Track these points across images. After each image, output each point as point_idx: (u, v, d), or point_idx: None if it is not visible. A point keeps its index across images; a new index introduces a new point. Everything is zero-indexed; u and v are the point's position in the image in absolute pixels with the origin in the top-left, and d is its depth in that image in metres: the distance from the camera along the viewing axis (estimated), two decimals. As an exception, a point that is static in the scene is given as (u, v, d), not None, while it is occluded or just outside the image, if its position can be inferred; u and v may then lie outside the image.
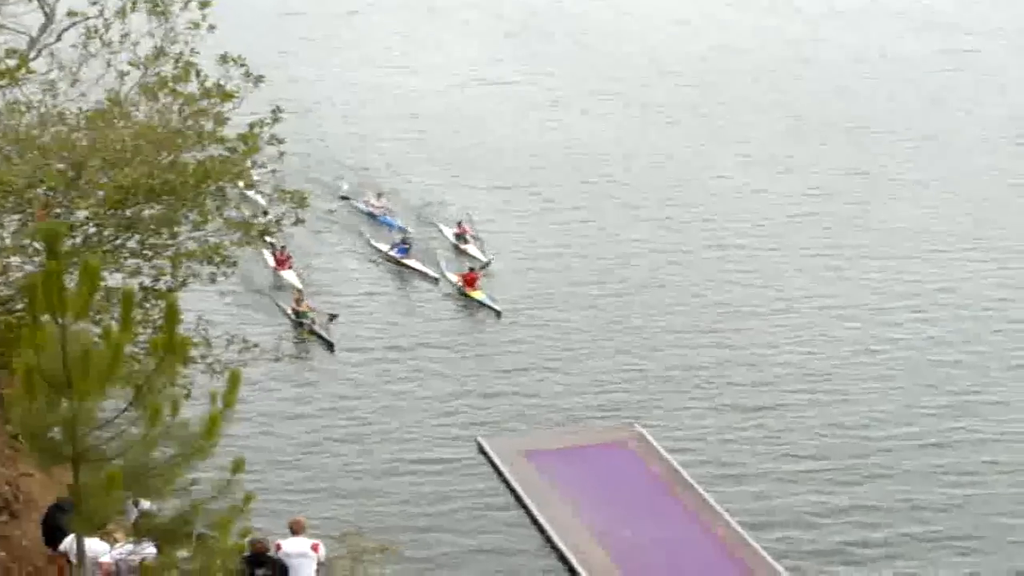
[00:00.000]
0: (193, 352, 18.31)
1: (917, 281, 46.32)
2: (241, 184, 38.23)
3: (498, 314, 43.16)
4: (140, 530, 13.14)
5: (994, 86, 70.10)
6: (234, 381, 11.51)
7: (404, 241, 48.26)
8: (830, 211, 53.70)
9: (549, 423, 36.31)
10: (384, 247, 48.39)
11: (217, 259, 20.58)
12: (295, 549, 18.89)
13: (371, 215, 51.86)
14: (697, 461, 33.92)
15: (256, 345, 20.86)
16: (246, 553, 16.45)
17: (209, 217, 20.48)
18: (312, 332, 40.02)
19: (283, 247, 45.11)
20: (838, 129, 63.79)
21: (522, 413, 36.87)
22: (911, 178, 57.04)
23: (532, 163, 58.55)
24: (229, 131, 20.63)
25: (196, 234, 20.55)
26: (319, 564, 19.04)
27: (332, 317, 41.41)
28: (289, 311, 41.80)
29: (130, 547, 13.63)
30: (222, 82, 20.50)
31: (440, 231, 50.43)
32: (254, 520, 16.68)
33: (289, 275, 44.98)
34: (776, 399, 37.38)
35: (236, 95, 20.28)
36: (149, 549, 13.39)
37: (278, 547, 18.80)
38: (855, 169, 58.73)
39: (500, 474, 33.27)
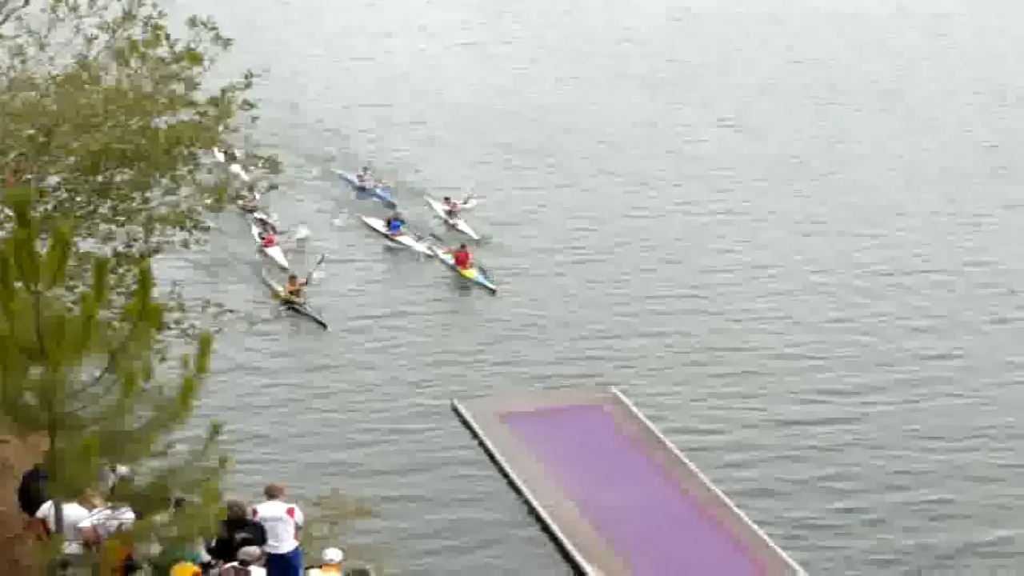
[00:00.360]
0: (168, 318, 18.27)
1: (894, 246, 46.56)
2: (222, 155, 38.38)
3: (493, 292, 42.37)
4: (118, 495, 13.17)
5: (967, 49, 70.23)
6: (205, 345, 11.51)
7: (397, 217, 47.27)
8: (805, 175, 53.88)
9: (525, 386, 36.41)
10: (376, 223, 47.53)
11: (190, 224, 20.52)
12: (272, 513, 18.93)
13: (361, 189, 51.14)
14: (673, 423, 34.01)
15: (231, 311, 20.82)
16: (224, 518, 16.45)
17: (181, 182, 20.41)
18: (304, 313, 39.64)
19: (273, 226, 44.68)
20: (810, 93, 63.88)
21: (498, 377, 36.95)
22: (884, 142, 57.10)
23: (508, 129, 58.52)
24: (201, 96, 20.52)
25: (169, 199, 20.46)
26: (296, 528, 19.10)
27: (321, 260, 41.48)
28: (283, 293, 40.81)
29: (108, 512, 13.64)
30: (192, 45, 20.37)
31: (430, 206, 49.52)
32: (231, 486, 16.78)
33: (276, 252, 44.32)
34: (753, 363, 37.46)
35: (204, 58, 20.14)
36: (127, 514, 13.42)
37: (255, 512, 18.84)
38: (829, 133, 58.95)
39: (476, 437, 33.35)
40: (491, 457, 32.37)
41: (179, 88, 20.39)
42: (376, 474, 31.52)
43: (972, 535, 29.12)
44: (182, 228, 20.45)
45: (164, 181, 20.29)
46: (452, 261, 44.02)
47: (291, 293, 40.48)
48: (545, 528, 29.12)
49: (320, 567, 17.16)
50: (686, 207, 50.11)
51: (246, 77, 20.49)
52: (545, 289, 42.94)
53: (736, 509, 29.61)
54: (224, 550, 17.77)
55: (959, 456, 32.65)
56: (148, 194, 20.29)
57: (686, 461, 31.74)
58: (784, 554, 27.81)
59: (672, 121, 60.57)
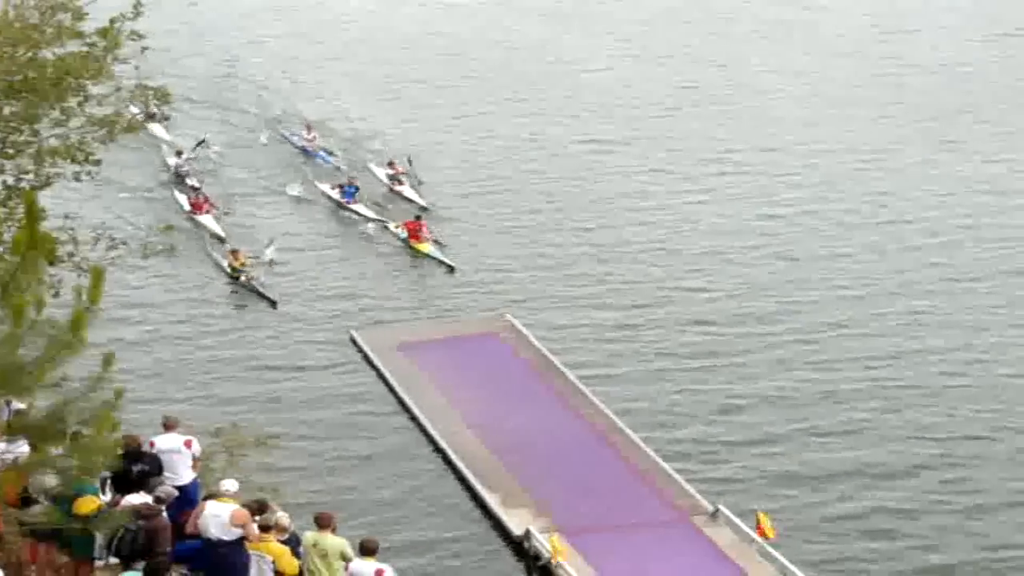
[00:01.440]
0: (61, 251, 18.18)
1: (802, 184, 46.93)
2: (139, 112, 37.90)
3: (451, 269, 39.05)
4: (13, 428, 13.14)
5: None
6: (97, 277, 11.50)
7: (351, 183, 43.48)
8: (705, 101, 54.21)
9: (422, 316, 36.57)
10: (327, 189, 44.05)
11: (80, 157, 20.36)
12: (169, 445, 18.98)
13: (304, 150, 47.64)
14: (569, 350, 34.31)
15: (124, 243, 20.73)
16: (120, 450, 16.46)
17: (71, 114, 20.23)
18: (252, 289, 37.20)
19: (197, 189, 42.28)
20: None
21: (395, 308, 37.07)
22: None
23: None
24: (89, 27, 20.30)
25: (58, 131, 20.28)
26: (194, 459, 19.16)
27: (270, 242, 39.13)
28: (225, 266, 38.17)
29: (3, 446, 13.61)
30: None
31: (370, 171, 46.09)
32: (130, 420, 16.78)
33: (207, 220, 41.22)
34: (645, 296, 37.63)
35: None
36: (23, 447, 13.41)
37: (152, 444, 18.88)
38: (724, 61, 59.27)
39: (373, 367, 33.47)
40: (389, 387, 32.53)
41: (66, 19, 20.16)
42: (274, 406, 31.54)
43: (857, 452, 29.72)
44: (73, 161, 20.30)
45: (54, 113, 20.10)
46: (405, 234, 40.64)
47: (236, 268, 37.76)
48: (444, 456, 29.35)
49: (217, 498, 17.23)
50: (587, 141, 50.05)
51: (135, 6, 20.30)
52: (444, 216, 42.94)
53: (636, 438, 29.90)
54: (121, 483, 17.82)
55: (861, 375, 33.04)
56: (37, 126, 20.08)
57: (584, 390, 32.01)
58: (685, 482, 28.19)
59: (571, 48, 60.67)
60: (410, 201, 43.65)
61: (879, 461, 29.24)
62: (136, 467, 17.99)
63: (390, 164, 45.40)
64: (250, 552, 17.10)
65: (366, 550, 18.32)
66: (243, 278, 37.39)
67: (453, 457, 29.14)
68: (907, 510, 27.43)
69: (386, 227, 41.46)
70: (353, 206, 42.92)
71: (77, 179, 20.97)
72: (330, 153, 47.27)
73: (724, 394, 32.31)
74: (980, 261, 39.70)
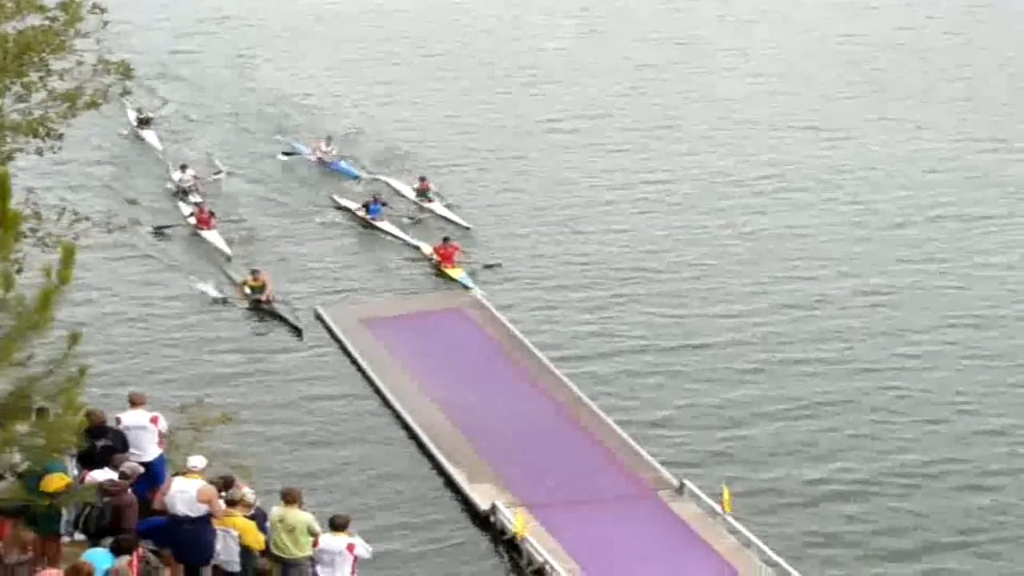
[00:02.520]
0: (23, 227, 18.04)
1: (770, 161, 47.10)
2: (134, 118, 37.00)
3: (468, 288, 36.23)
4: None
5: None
6: (67, 254, 11.44)
7: (376, 199, 40.61)
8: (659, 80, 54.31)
9: (387, 292, 36.50)
10: (351, 205, 41.27)
11: (42, 132, 20.24)
12: (135, 422, 18.92)
13: (321, 162, 44.78)
14: (535, 326, 34.34)
15: (87, 218, 20.63)
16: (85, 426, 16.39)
17: (33, 89, 20.09)
18: (274, 314, 34.71)
19: (200, 204, 40.23)
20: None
21: (361, 284, 37.02)
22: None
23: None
24: (50, 1, 20.17)
25: (20, 106, 20.14)
26: (160, 435, 19.11)
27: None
28: (248, 291, 35.32)
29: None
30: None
31: (391, 187, 43.01)
32: (93, 396, 16.71)
33: (213, 236, 38.86)
34: (612, 274, 37.69)
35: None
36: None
37: (118, 420, 18.81)
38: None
39: (338, 342, 33.42)
40: (355, 363, 32.49)
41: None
42: (239, 382, 31.46)
43: (828, 428, 29.89)
44: (35, 136, 20.18)
45: (15, 88, 19.96)
46: (434, 257, 37.57)
47: (254, 290, 35.26)
48: (410, 432, 29.33)
49: (184, 474, 17.20)
50: (553, 119, 50.08)
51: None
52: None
53: (602, 414, 29.94)
54: (86, 459, 17.76)
55: (830, 351, 33.15)
56: (-1, 101, 19.96)
57: (550, 366, 32.04)
58: (651, 458, 28.28)
59: (530, 26, 60.71)
60: (441, 218, 40.70)
61: (849, 437, 29.33)
62: (100, 442, 17.93)
63: (421, 179, 42.21)
64: (216, 528, 17.10)
65: (336, 525, 18.33)
66: (264, 298, 34.90)
67: (419, 433, 29.11)
68: (874, 484, 27.53)
69: (417, 249, 38.42)
70: (379, 223, 40.19)
71: (39, 154, 20.84)
72: (353, 167, 44.49)
73: (692, 371, 32.36)
74: (935, 241, 39.88)
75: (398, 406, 30.13)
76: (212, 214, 39.52)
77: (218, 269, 37.36)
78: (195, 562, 17.28)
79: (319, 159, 44.91)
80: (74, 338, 12.10)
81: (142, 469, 17.60)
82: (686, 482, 26.57)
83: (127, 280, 36.77)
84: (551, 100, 51.93)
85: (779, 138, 48.07)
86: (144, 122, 46.00)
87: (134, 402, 19.24)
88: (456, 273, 36.76)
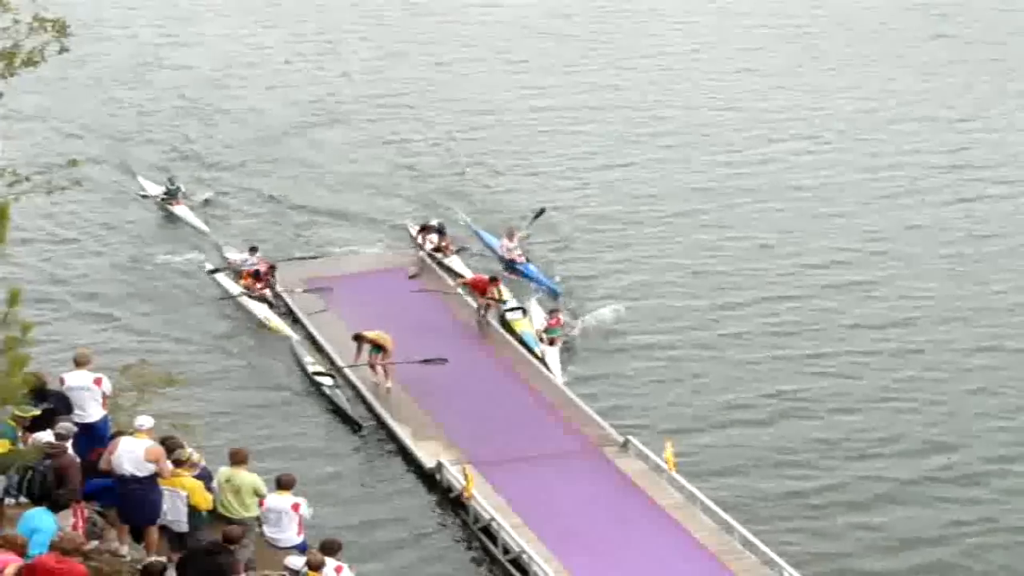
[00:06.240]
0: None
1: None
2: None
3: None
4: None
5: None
6: (2, 215, 11.35)
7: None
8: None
9: (333, 252, 36.37)
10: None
11: (-19, 91, 19.92)
12: (78, 383, 18.84)
13: (510, 263, 35.47)
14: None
15: (27, 179, 20.34)
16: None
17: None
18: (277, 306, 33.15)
19: (184, 192, 38.47)
20: None
21: (305, 244, 36.89)
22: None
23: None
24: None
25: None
26: (104, 397, 19.01)
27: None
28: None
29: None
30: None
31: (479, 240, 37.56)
32: (38, 359, 16.57)
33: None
34: (552, 228, 37.82)
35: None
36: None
37: (61, 381, 18.72)
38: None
39: (283, 303, 33.28)
40: (298, 322, 32.41)
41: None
42: (180, 343, 31.31)
43: (776, 386, 30.07)
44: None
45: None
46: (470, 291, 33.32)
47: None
48: (355, 390, 29.28)
49: (131, 434, 17.13)
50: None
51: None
52: (347, 155, 42.83)
53: (546, 372, 30.05)
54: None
55: (777, 313, 33.33)
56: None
57: (494, 323, 32.17)
58: (596, 415, 28.37)
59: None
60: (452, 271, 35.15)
61: (798, 399, 29.44)
62: (42, 404, 17.81)
63: (508, 235, 35.86)
64: (163, 488, 17.06)
65: (282, 484, 18.34)
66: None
67: (363, 391, 29.10)
68: (823, 444, 27.66)
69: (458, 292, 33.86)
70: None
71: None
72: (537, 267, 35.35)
73: (639, 329, 32.45)
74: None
75: (342, 364, 30.04)
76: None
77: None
78: (142, 522, 17.26)
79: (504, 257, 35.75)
80: (15, 296, 12.01)
81: (76, 428, 17.48)
82: (631, 439, 26.69)
83: (67, 237, 36.75)
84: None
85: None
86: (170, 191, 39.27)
87: (79, 362, 19.13)
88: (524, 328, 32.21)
